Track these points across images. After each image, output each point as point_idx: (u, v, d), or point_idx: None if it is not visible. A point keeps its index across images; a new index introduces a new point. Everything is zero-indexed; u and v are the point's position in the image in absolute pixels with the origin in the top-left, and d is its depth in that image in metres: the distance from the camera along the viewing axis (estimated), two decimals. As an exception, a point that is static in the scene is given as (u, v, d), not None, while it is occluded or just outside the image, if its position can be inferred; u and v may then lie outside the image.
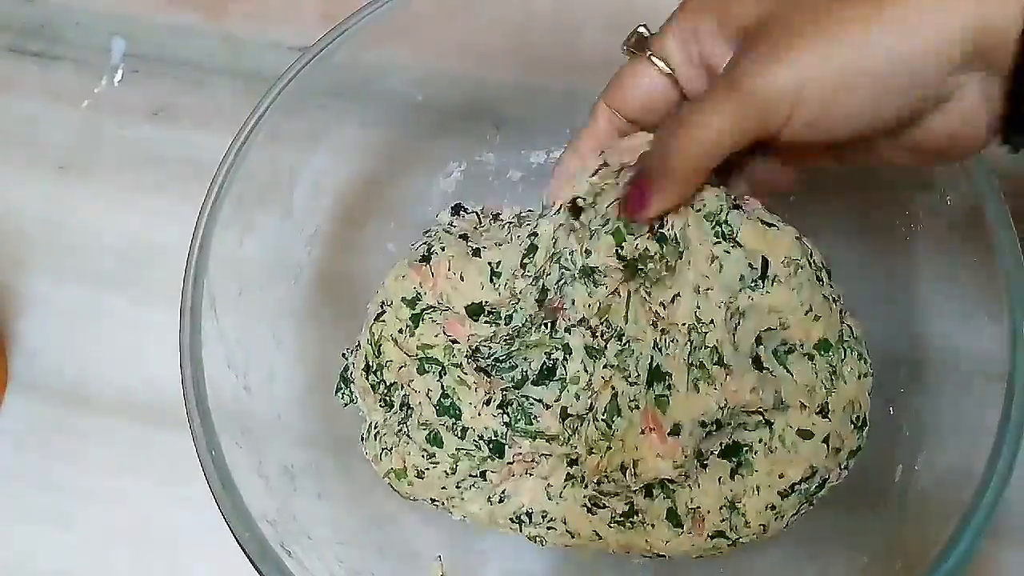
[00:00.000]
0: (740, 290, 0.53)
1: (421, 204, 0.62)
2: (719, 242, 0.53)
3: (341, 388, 0.62)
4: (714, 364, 0.53)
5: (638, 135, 0.52)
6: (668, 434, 0.53)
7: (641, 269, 0.52)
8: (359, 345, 0.59)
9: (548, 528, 0.58)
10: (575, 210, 0.53)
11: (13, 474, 0.62)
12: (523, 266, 0.55)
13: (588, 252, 0.52)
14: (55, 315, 0.64)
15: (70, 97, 0.68)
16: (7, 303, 0.65)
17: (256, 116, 0.53)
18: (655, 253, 0.51)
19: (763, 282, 0.53)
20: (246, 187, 0.53)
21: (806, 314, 0.54)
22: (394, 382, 0.57)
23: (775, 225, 0.53)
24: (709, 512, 0.56)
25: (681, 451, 0.52)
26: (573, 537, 0.58)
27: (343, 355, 0.62)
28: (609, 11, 0.55)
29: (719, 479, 0.56)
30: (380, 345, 0.57)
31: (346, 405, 0.62)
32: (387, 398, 0.59)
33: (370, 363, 0.58)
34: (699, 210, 0.52)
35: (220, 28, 0.67)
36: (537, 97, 0.61)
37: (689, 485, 0.56)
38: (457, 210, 0.60)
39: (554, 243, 0.54)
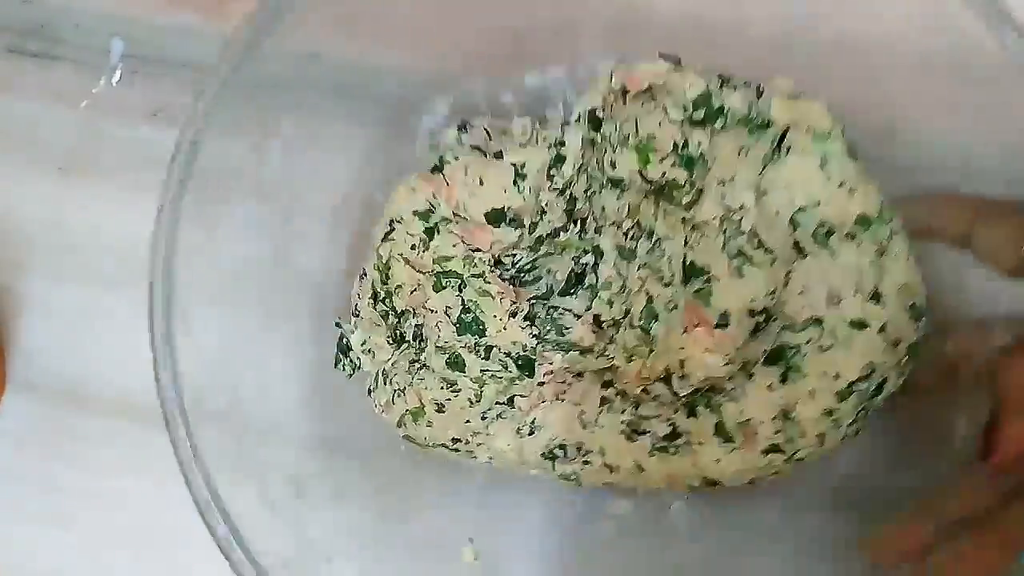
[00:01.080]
0: (765, 166, 0.51)
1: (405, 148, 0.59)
2: (751, 135, 0.51)
3: (340, 359, 0.57)
4: (755, 248, 0.50)
5: (655, 64, 0.51)
6: (716, 326, 0.50)
7: (668, 193, 0.50)
8: (364, 274, 0.54)
9: (584, 463, 0.54)
10: (595, 121, 0.51)
11: (12, 474, 0.63)
12: (550, 178, 0.52)
13: (613, 164, 0.50)
14: (54, 315, 0.65)
15: (69, 98, 0.68)
16: (6, 303, 0.65)
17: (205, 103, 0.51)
18: (684, 181, 0.49)
19: (779, 152, 0.51)
20: (207, 180, 0.51)
21: (839, 188, 0.51)
22: (406, 309, 0.54)
23: (803, 95, 0.51)
24: (762, 424, 0.52)
25: (731, 342, 0.49)
26: (612, 472, 0.54)
27: (336, 323, 0.57)
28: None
29: (768, 386, 0.52)
30: (389, 268, 0.53)
31: (351, 375, 0.57)
32: (397, 331, 0.55)
33: (378, 291, 0.54)
34: (727, 119, 0.50)
35: (219, 29, 0.68)
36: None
37: (736, 397, 0.52)
38: (464, 126, 0.57)
39: (582, 155, 0.51)
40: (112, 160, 0.67)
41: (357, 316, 0.55)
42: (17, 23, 0.70)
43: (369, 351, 0.56)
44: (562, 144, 0.51)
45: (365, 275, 0.55)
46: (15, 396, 0.64)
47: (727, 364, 0.50)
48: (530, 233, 0.52)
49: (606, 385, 0.53)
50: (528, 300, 0.51)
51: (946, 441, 0.53)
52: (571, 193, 0.51)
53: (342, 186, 0.58)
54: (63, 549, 0.62)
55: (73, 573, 0.61)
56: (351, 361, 0.57)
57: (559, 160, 0.51)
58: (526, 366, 0.51)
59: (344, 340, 0.57)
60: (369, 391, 0.56)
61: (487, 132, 0.56)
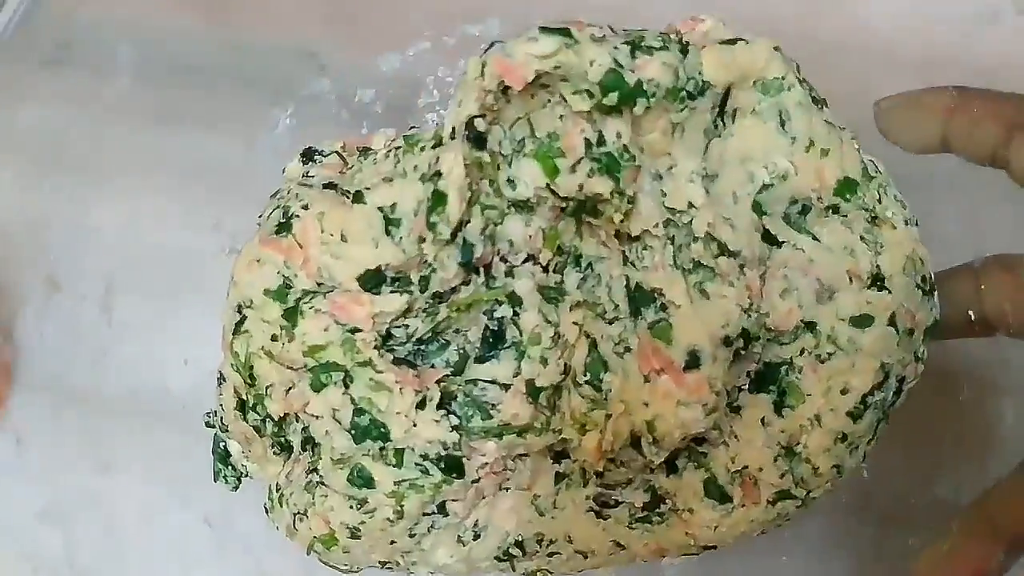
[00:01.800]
0: (708, 143, 0.40)
1: (242, 179, 0.53)
2: (683, 107, 0.39)
3: (220, 470, 0.47)
4: (716, 256, 0.39)
5: (537, 43, 0.38)
6: (684, 368, 0.39)
7: (591, 209, 0.40)
8: (222, 378, 0.43)
9: (550, 555, 0.44)
10: (477, 138, 0.39)
11: (13, 474, 0.61)
12: (431, 227, 0.39)
13: (512, 182, 0.39)
14: (58, 316, 0.64)
15: (76, 101, 0.68)
16: (12, 303, 0.65)
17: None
18: (611, 193, 0.39)
19: (723, 120, 0.40)
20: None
21: (808, 150, 0.40)
22: (284, 414, 0.42)
23: (742, 39, 0.40)
24: (761, 470, 0.42)
25: (709, 387, 0.39)
26: (587, 557, 0.44)
27: (206, 423, 0.46)
28: None
29: (761, 420, 0.42)
30: (251, 367, 0.41)
31: (235, 488, 0.47)
32: (280, 439, 0.43)
33: (244, 396, 0.42)
34: (652, 97, 0.38)
35: (226, 33, 0.66)
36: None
37: (724, 441, 0.42)
38: (309, 156, 0.45)
39: (468, 185, 0.39)
40: (118, 163, 0.66)
41: (226, 431, 0.44)
42: (25, 27, 0.70)
43: (252, 460, 0.45)
44: (438, 175, 0.37)
45: (223, 380, 0.43)
46: (17, 395, 0.64)
47: (710, 413, 0.40)
48: (422, 291, 0.40)
49: (557, 459, 0.42)
50: (437, 381, 0.40)
51: (993, 434, 0.47)
52: (464, 238, 0.38)
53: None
54: (68, 549, 0.59)
55: (74, 573, 0.59)
56: (234, 470, 0.47)
57: (439, 200, 0.38)
58: (452, 467, 0.40)
59: (221, 445, 0.46)
60: (266, 509, 0.45)
61: (341, 157, 0.44)
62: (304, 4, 0.54)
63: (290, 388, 0.41)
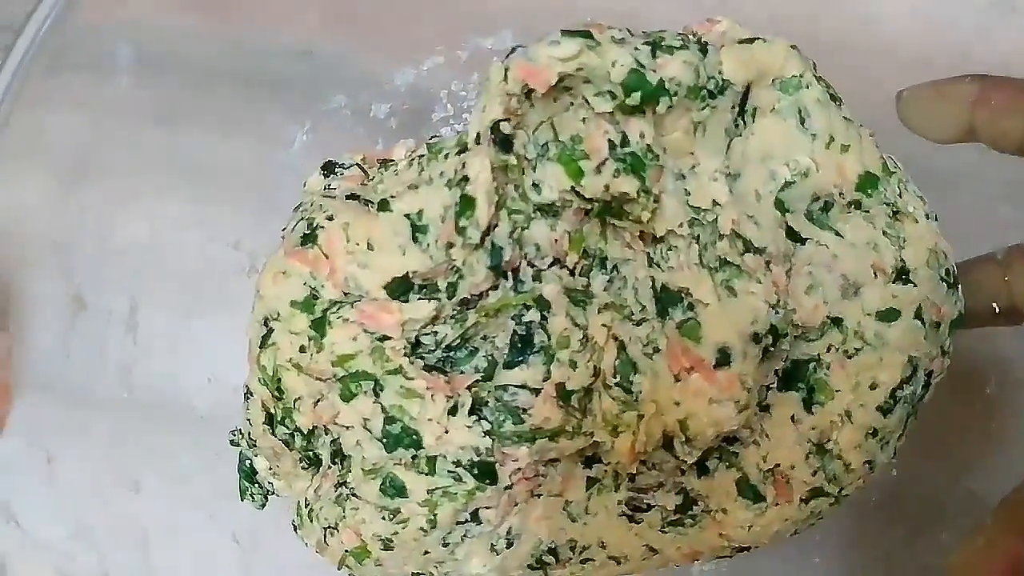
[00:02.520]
0: (729, 143, 0.41)
1: (260, 196, 0.53)
2: (705, 106, 0.40)
3: (246, 488, 0.47)
4: (742, 253, 0.40)
5: (559, 46, 0.39)
6: (715, 366, 0.40)
7: (616, 210, 0.40)
8: (249, 393, 0.43)
9: (583, 562, 0.44)
10: (503, 141, 0.39)
11: (13, 474, 0.61)
12: (460, 231, 0.39)
13: (537, 186, 0.39)
14: (58, 317, 0.63)
15: (75, 100, 0.67)
16: (15, 304, 0.65)
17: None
18: (636, 193, 0.39)
19: (744, 120, 0.41)
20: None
21: (828, 146, 0.41)
22: (313, 427, 0.42)
23: (760, 38, 0.41)
24: (793, 467, 0.42)
25: (740, 384, 0.40)
26: (620, 563, 0.45)
27: (231, 441, 0.47)
28: None
29: (791, 418, 0.42)
30: (279, 380, 0.42)
31: (262, 507, 0.47)
32: (309, 453, 0.43)
33: (272, 410, 0.43)
34: (675, 96, 0.39)
35: (226, 32, 0.66)
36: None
37: (755, 440, 0.43)
38: (330, 168, 0.45)
39: (496, 189, 0.39)
40: (117, 163, 0.66)
41: (254, 445, 0.45)
42: (20, 24, 0.67)
43: (280, 476, 0.46)
44: (465, 180, 0.38)
45: (251, 395, 0.43)
46: (19, 396, 0.63)
47: (742, 410, 0.40)
48: (450, 298, 0.40)
49: (589, 464, 0.43)
50: (468, 387, 0.40)
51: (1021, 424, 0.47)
52: (492, 242, 0.39)
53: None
54: (71, 550, 0.58)
55: (74, 573, 0.58)
56: (260, 488, 0.47)
57: (467, 204, 0.38)
58: (485, 473, 0.40)
59: (247, 463, 0.47)
60: (294, 527, 0.45)
61: (362, 169, 0.44)
62: (323, 21, 0.55)
63: (319, 400, 0.41)
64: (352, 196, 0.42)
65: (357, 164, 0.44)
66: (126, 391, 0.53)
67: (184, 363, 0.54)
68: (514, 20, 0.44)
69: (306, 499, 0.44)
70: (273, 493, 0.47)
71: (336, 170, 0.44)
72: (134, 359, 0.54)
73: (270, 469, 0.46)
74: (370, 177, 0.44)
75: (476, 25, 0.51)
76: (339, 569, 0.44)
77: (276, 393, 0.42)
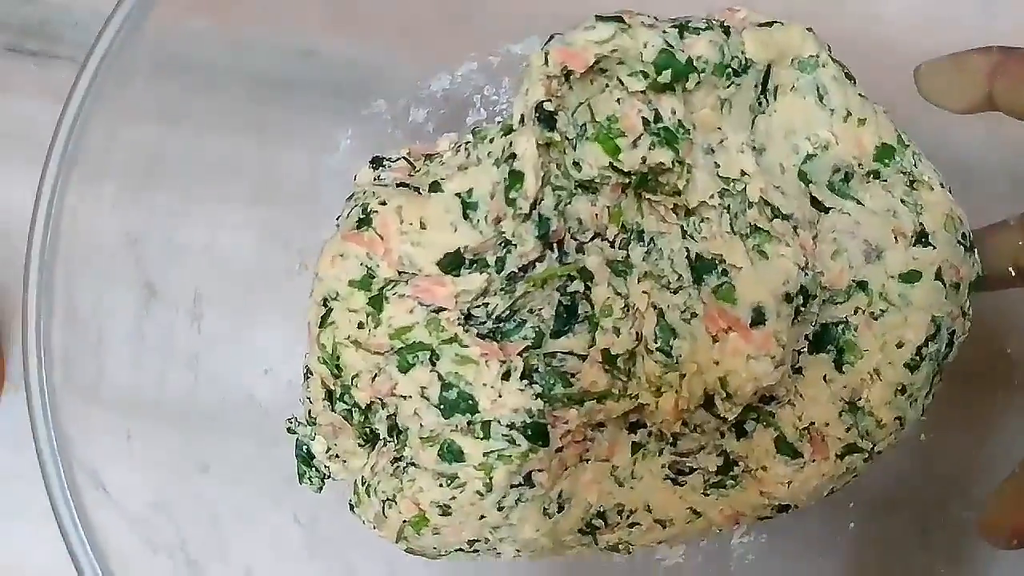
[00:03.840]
0: (754, 119, 0.45)
1: (307, 198, 0.57)
2: (730, 84, 0.44)
3: (304, 471, 0.51)
4: (771, 220, 0.44)
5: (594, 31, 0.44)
6: (751, 325, 0.43)
7: (652, 183, 0.45)
8: (308, 373, 0.47)
9: (631, 526, 0.48)
10: (547, 119, 0.43)
11: (12, 474, 0.64)
12: (511, 203, 0.44)
13: (577, 164, 0.44)
14: (54, 315, 0.61)
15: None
16: (5, 303, 0.68)
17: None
18: (671, 163, 0.43)
19: (766, 98, 0.45)
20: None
21: (846, 120, 0.45)
22: (371, 401, 0.45)
23: (778, 21, 0.45)
24: (828, 424, 0.46)
25: (775, 340, 0.43)
26: (665, 527, 0.48)
27: (288, 429, 0.50)
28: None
29: (824, 378, 0.46)
30: (338, 357, 0.45)
31: (319, 490, 0.51)
32: (367, 429, 0.47)
33: (331, 387, 0.46)
34: (702, 73, 0.43)
35: (225, 30, 0.67)
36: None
37: (790, 401, 0.46)
38: (378, 162, 0.49)
39: (541, 164, 0.44)
40: (115, 162, 0.64)
41: (313, 423, 0.48)
42: (17, 21, 0.72)
43: (337, 457, 0.49)
44: (513, 157, 0.43)
45: (310, 374, 0.47)
46: (15, 395, 0.66)
47: (779, 366, 0.43)
48: (499, 271, 0.44)
49: (634, 429, 0.47)
50: (519, 353, 0.44)
51: None
52: (539, 213, 0.43)
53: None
54: (62, 549, 0.58)
55: (73, 573, 0.58)
56: (317, 472, 0.50)
57: (516, 178, 0.43)
58: (538, 434, 0.44)
59: (304, 448, 0.50)
60: (351, 506, 0.48)
61: (408, 161, 0.48)
62: (363, 32, 0.58)
63: (376, 375, 0.45)
64: (401, 184, 0.46)
65: (403, 157, 0.48)
66: (193, 375, 0.56)
67: (243, 357, 0.57)
68: (540, 27, 0.48)
69: (363, 477, 0.47)
70: (329, 477, 0.50)
71: (384, 163, 0.48)
72: (200, 350, 0.57)
73: (327, 452, 0.49)
74: (416, 169, 0.48)
75: (505, 32, 0.55)
76: (396, 542, 0.47)
77: (335, 370, 0.45)
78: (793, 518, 0.49)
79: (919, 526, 0.51)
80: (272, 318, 0.54)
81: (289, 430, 0.50)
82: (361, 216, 0.45)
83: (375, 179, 0.48)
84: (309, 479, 0.50)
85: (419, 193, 0.45)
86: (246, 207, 0.55)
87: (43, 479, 0.46)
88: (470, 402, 0.43)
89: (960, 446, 0.51)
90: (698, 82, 0.43)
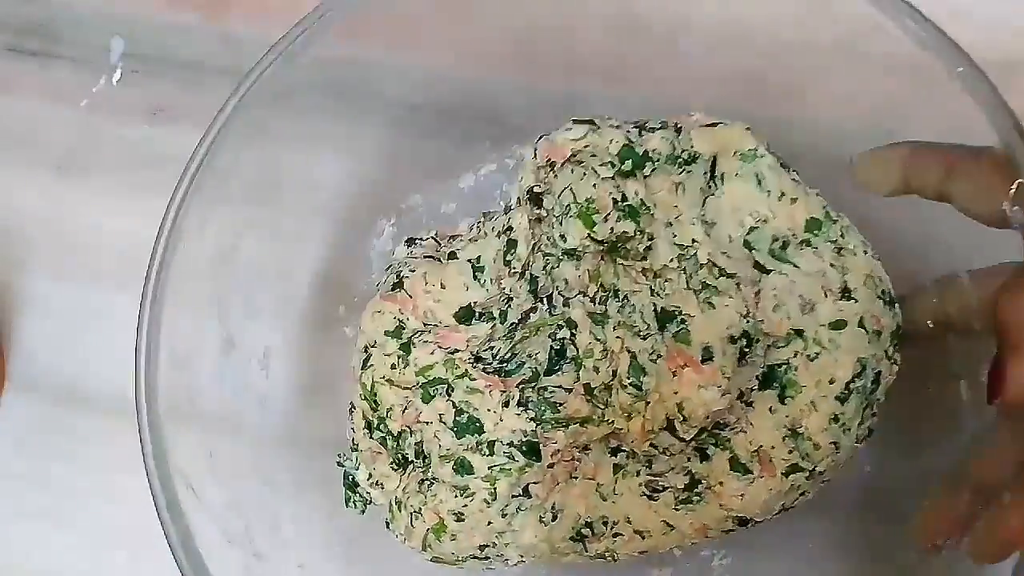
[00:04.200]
0: (705, 200, 0.55)
1: (358, 272, 0.64)
2: (682, 171, 0.54)
3: (350, 497, 0.61)
4: (718, 278, 0.53)
5: (571, 131, 0.55)
6: (702, 361, 0.53)
7: (621, 247, 0.54)
8: (352, 408, 0.58)
9: (614, 536, 0.57)
10: (535, 199, 0.55)
11: (12, 474, 0.67)
12: (507, 264, 0.56)
13: (564, 237, 0.54)
14: (54, 314, 0.69)
15: (69, 96, 0.72)
16: (6, 302, 0.69)
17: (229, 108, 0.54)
18: (634, 232, 0.53)
19: (715, 183, 0.54)
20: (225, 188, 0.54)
21: (780, 199, 0.54)
22: (402, 430, 0.57)
23: (723, 122, 0.55)
24: (773, 448, 0.55)
25: (720, 373, 0.52)
26: (644, 538, 0.57)
27: (338, 462, 0.60)
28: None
29: (770, 409, 0.55)
30: (376, 394, 0.57)
31: (363, 512, 0.61)
32: (399, 454, 0.58)
33: (370, 419, 0.57)
34: (656, 162, 0.54)
35: (220, 28, 0.72)
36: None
37: (743, 429, 0.55)
38: (411, 242, 0.61)
39: (532, 233, 0.55)
40: (111, 160, 0.70)
41: (356, 449, 0.58)
42: (16, 21, 0.73)
43: (377, 483, 0.59)
44: (510, 230, 0.55)
45: (354, 408, 0.58)
46: (15, 395, 0.68)
47: (724, 395, 0.52)
48: (502, 322, 0.56)
49: (615, 452, 0.56)
50: (517, 386, 0.54)
51: (956, 413, 0.56)
52: (530, 273, 0.55)
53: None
54: (61, 548, 0.65)
55: (71, 572, 0.64)
56: (360, 497, 0.60)
57: (511, 245, 0.55)
58: (531, 450, 0.54)
59: (350, 477, 0.60)
60: (387, 524, 0.59)
61: (435, 240, 0.60)
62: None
63: (405, 408, 0.56)
64: (428, 257, 0.58)
65: (432, 237, 0.60)
66: (262, 410, 0.60)
67: (302, 395, 0.62)
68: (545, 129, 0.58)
69: (396, 497, 0.58)
70: (371, 502, 0.60)
71: (416, 241, 0.60)
72: (267, 392, 0.61)
73: (368, 480, 0.60)
74: (441, 247, 0.60)
75: (514, 135, 0.64)
76: (423, 550, 0.57)
77: (373, 404, 0.57)
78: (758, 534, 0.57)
79: (871, 557, 0.59)
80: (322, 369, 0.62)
81: (338, 463, 0.60)
82: (395, 281, 0.57)
83: (409, 254, 0.59)
84: (354, 503, 0.60)
85: (441, 262, 0.57)
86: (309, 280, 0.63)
87: (148, 481, 0.51)
88: (477, 425, 0.54)
89: (904, 478, 0.58)
90: (653, 169, 0.53)
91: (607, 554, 0.57)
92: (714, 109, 0.56)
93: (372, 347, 0.58)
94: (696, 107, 0.56)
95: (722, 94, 0.56)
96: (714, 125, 0.55)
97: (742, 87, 0.57)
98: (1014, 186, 0.47)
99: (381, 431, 0.57)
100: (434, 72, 0.63)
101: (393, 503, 0.58)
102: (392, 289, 0.58)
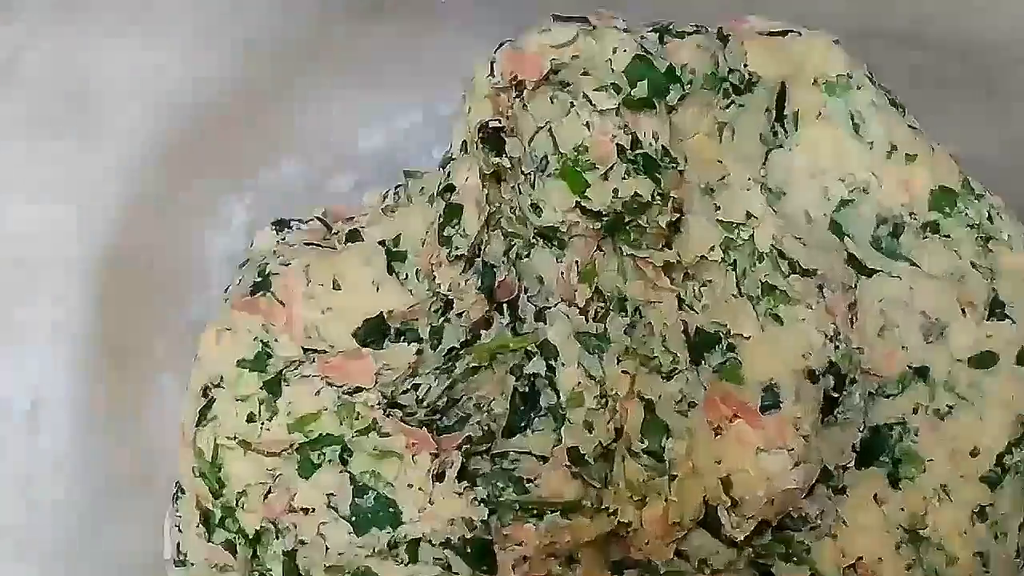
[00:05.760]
0: (767, 153, 0.43)
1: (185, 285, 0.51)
2: (730, 103, 0.43)
3: None
4: (788, 275, 0.42)
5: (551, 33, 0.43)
6: (761, 410, 0.41)
7: (630, 224, 0.42)
8: (179, 492, 0.44)
9: None
10: (493, 140, 0.42)
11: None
12: (445, 243, 0.43)
13: (537, 207, 0.42)
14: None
15: None
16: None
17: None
18: (651, 199, 0.41)
19: (783, 127, 0.43)
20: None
21: (889, 156, 0.43)
22: (263, 527, 0.42)
23: (794, 30, 0.44)
24: (881, 560, 0.41)
25: (794, 428, 0.40)
26: None
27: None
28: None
29: (875, 497, 0.42)
30: (220, 465, 0.42)
31: None
32: (257, 570, 0.42)
33: (209, 509, 0.43)
34: (688, 84, 0.42)
35: None
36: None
37: (828, 529, 0.42)
38: (282, 225, 0.47)
39: (485, 196, 0.43)
40: None
41: (183, 564, 0.44)
42: None
43: None
44: (450, 190, 0.43)
45: (182, 493, 0.44)
46: None
47: (798, 465, 0.40)
48: (434, 344, 0.42)
49: (617, 568, 0.42)
50: (458, 448, 0.41)
51: None
52: (483, 260, 0.43)
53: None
54: None
55: None
56: None
57: (452, 213, 0.43)
58: (480, 555, 0.40)
59: None
60: None
61: (322, 222, 0.47)
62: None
63: (269, 490, 0.41)
64: (310, 244, 0.45)
65: (318, 218, 0.47)
66: None
67: None
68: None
69: None
70: None
71: (291, 225, 0.47)
72: None
73: None
74: (333, 231, 0.47)
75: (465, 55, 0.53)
76: None
77: (216, 484, 0.43)
78: None
79: None
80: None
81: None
82: (257, 280, 0.44)
83: (280, 241, 0.47)
84: None
85: (332, 251, 0.44)
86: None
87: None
88: (391, 511, 0.40)
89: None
90: (683, 96, 0.42)
91: None
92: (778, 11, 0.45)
93: (216, 386, 0.43)
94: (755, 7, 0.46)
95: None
96: (783, 34, 0.44)
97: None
98: None
99: (227, 530, 0.43)
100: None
101: None
102: (252, 292, 0.44)
